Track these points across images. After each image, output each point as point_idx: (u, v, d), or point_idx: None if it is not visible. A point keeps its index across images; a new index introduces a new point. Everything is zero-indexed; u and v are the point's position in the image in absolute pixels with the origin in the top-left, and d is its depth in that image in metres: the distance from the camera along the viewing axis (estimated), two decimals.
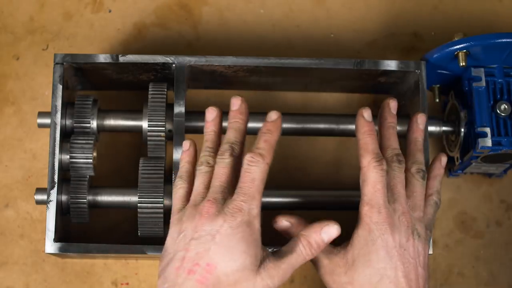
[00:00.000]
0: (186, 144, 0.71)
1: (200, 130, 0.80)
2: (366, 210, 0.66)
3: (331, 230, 0.66)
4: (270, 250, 0.65)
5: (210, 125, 0.70)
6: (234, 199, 0.63)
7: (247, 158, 0.64)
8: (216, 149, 0.68)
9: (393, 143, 0.71)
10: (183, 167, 0.70)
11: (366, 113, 0.70)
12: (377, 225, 0.66)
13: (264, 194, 0.78)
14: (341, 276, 0.67)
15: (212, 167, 0.66)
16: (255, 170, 0.64)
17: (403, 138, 0.83)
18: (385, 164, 0.67)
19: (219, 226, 0.61)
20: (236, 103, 0.69)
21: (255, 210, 0.63)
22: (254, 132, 0.81)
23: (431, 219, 0.71)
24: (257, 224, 0.63)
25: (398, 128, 0.81)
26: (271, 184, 0.85)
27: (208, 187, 0.65)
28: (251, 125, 0.80)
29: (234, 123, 0.68)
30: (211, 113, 0.70)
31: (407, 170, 0.70)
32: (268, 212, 0.84)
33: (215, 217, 0.62)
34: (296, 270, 0.66)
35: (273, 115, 0.68)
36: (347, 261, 0.66)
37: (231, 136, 0.67)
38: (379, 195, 0.66)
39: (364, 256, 0.65)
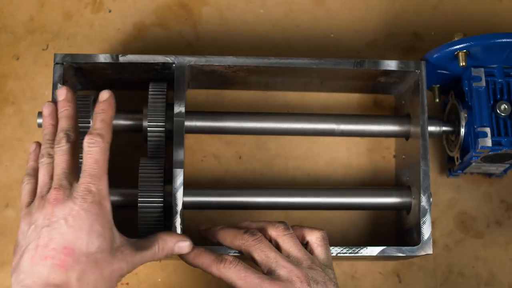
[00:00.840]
0: (33, 145, 0.72)
1: (200, 130, 0.80)
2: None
3: (183, 246, 0.70)
4: None
5: (47, 119, 0.70)
6: (82, 182, 0.64)
7: (87, 140, 0.65)
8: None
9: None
10: (30, 165, 0.70)
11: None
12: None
13: (264, 194, 0.79)
14: None
15: (53, 158, 0.67)
16: (96, 151, 0.65)
17: (402, 138, 0.83)
18: (229, 257, 0.68)
19: (70, 209, 0.62)
20: (61, 93, 0.70)
21: (104, 190, 0.64)
22: (255, 132, 0.81)
23: (326, 256, 0.70)
24: (107, 204, 0.65)
25: (398, 128, 0.81)
26: (271, 184, 0.86)
27: (52, 177, 0.66)
28: (251, 125, 0.80)
29: (64, 112, 0.69)
30: (48, 108, 0.71)
31: (270, 238, 0.70)
32: (269, 212, 0.84)
33: (64, 202, 0.62)
34: None
35: (104, 94, 0.69)
36: None
37: (64, 124, 0.68)
38: (250, 278, 0.66)
39: None
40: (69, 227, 0.61)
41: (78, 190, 0.63)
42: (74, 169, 0.66)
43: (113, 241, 0.63)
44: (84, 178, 0.64)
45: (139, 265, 0.66)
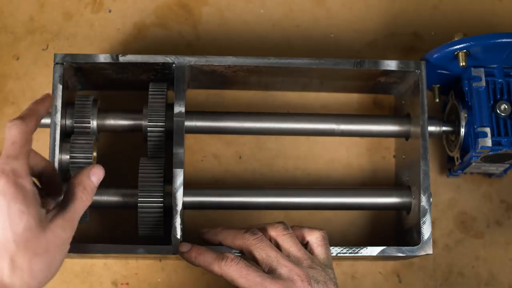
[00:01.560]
0: None
1: (200, 130, 0.80)
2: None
3: (98, 172, 0.67)
4: None
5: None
6: None
7: (7, 123, 0.63)
8: None
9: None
10: None
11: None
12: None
13: (264, 194, 0.79)
14: None
15: None
16: (14, 132, 0.62)
17: (402, 138, 0.83)
18: (235, 257, 0.68)
19: None
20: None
21: (20, 169, 0.60)
22: (255, 132, 0.81)
23: (326, 256, 0.70)
24: (26, 183, 0.60)
25: (398, 128, 0.82)
26: (271, 184, 0.86)
27: None
28: (251, 125, 0.80)
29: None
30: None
31: (270, 239, 0.70)
32: (269, 212, 0.84)
33: None
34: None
35: (45, 95, 0.67)
36: None
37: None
38: (252, 276, 0.66)
39: None
40: None
41: None
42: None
43: (40, 214, 0.60)
44: None
45: (76, 221, 0.63)
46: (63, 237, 0.62)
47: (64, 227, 0.62)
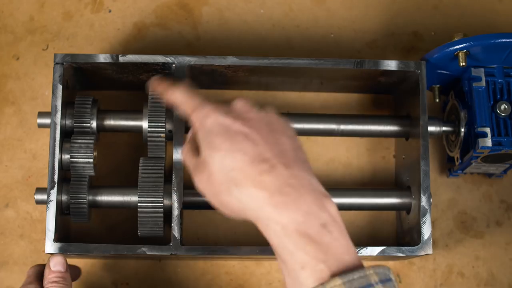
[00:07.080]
0: None
1: None
2: (192, 115, 0.65)
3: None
4: None
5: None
6: None
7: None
8: None
9: None
10: None
11: None
12: (207, 116, 0.64)
13: None
14: (202, 180, 0.66)
15: None
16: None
17: (402, 138, 0.83)
18: None
19: None
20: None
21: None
22: None
23: None
24: None
25: (398, 128, 0.82)
26: None
27: None
28: None
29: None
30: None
31: None
32: None
33: None
34: None
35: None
36: (202, 163, 0.64)
37: None
38: (192, 99, 0.66)
39: (210, 146, 0.63)
40: None
41: None
42: None
43: None
44: None
45: None
46: None
47: None
